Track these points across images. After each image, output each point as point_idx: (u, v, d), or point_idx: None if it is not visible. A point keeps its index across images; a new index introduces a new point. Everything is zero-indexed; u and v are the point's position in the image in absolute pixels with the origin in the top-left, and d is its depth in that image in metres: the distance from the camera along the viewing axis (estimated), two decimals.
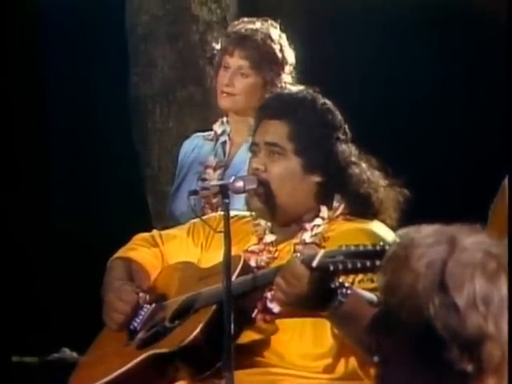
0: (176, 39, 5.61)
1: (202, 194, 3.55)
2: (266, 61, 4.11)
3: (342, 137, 3.28)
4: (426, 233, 1.70)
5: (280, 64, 4.14)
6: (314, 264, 2.82)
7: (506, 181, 3.60)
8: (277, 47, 4.13)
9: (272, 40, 4.13)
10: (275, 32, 4.17)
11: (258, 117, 3.37)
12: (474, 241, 1.67)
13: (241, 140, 4.20)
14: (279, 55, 4.13)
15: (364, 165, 3.27)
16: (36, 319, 5.66)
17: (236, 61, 4.13)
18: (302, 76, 4.17)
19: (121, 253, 3.45)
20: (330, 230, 3.22)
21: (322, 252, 2.89)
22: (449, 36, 7.78)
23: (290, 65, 4.17)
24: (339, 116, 3.32)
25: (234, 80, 4.14)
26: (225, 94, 4.16)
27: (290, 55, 4.18)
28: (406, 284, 1.65)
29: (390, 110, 7.68)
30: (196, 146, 4.37)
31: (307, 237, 3.21)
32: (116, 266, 3.40)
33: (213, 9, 5.54)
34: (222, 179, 4.05)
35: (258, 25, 4.17)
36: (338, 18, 7.72)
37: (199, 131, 4.49)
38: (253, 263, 3.21)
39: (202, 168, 4.26)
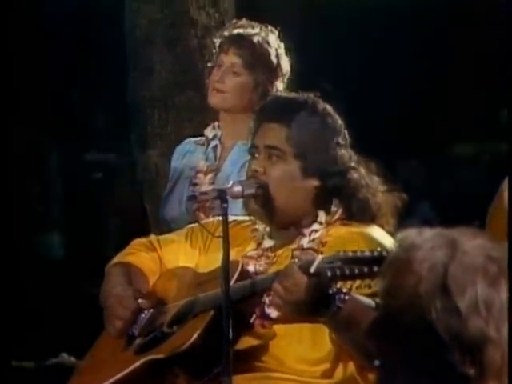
0: (174, 43, 5.60)
1: (200, 198, 3.54)
2: (259, 63, 4.09)
3: (342, 142, 3.30)
4: (427, 236, 1.71)
5: (274, 69, 4.12)
6: (312, 270, 2.82)
7: (504, 184, 3.60)
8: (273, 52, 4.11)
9: (269, 45, 4.11)
10: (273, 38, 4.15)
11: (258, 119, 3.37)
12: (475, 245, 1.68)
13: (231, 144, 4.20)
14: (274, 60, 4.11)
15: (363, 170, 3.28)
16: (35, 324, 5.66)
17: (230, 58, 4.12)
18: (296, 79, 4.17)
19: (119, 258, 3.44)
20: (328, 235, 3.22)
21: (319, 258, 2.89)
22: (445, 36, 7.83)
23: (285, 73, 4.15)
24: (339, 121, 3.33)
25: (225, 77, 4.12)
26: (215, 91, 4.16)
27: (286, 63, 4.16)
28: (408, 287, 1.65)
29: (386, 110, 7.73)
30: (188, 151, 4.37)
31: (305, 242, 3.21)
32: (115, 271, 3.39)
33: (211, 13, 5.53)
34: (213, 183, 4.06)
35: (257, 29, 4.16)
36: (335, 25, 7.75)
37: (198, 136, 4.49)
38: (251, 268, 3.21)
39: (193, 173, 4.26)
